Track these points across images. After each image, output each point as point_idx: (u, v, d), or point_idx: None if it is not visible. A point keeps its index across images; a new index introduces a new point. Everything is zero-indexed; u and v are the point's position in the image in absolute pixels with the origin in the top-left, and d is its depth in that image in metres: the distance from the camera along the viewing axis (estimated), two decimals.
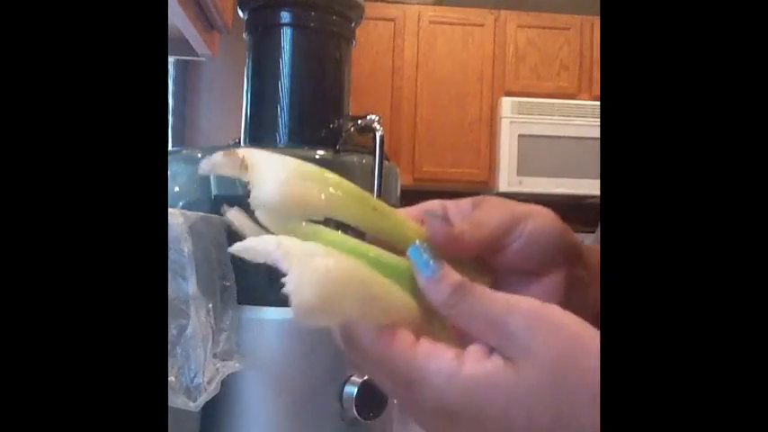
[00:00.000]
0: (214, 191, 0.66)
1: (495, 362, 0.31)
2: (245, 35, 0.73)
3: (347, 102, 0.73)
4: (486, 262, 0.39)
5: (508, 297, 0.32)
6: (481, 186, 3.08)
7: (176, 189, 0.66)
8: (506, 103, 2.95)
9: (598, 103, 2.65)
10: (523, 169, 2.94)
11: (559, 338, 0.31)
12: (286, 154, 0.68)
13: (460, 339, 0.32)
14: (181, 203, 0.65)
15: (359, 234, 0.35)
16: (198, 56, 1.29)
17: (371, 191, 0.65)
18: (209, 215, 0.59)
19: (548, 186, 2.95)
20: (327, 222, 0.34)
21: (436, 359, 0.31)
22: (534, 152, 2.95)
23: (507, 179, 2.94)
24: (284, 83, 0.70)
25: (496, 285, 0.36)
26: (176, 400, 0.52)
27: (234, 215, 0.35)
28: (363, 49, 2.94)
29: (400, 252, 0.35)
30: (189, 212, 0.56)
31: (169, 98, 2.34)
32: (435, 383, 0.31)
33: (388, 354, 0.31)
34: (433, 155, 3.00)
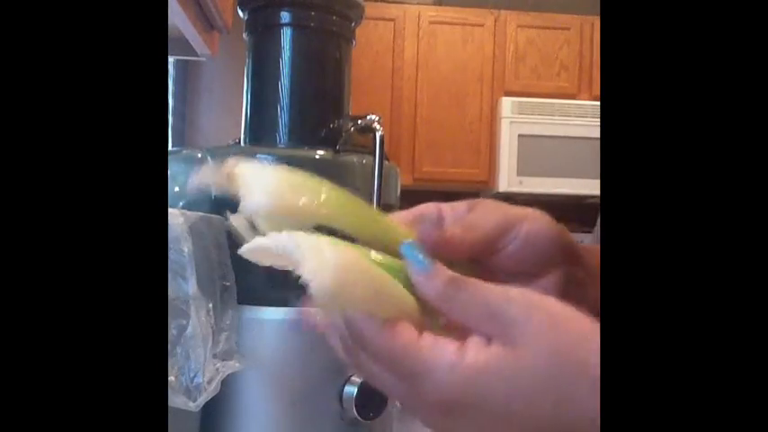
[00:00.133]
0: (214, 191, 0.66)
1: (495, 350, 0.31)
2: (245, 35, 0.73)
3: (347, 102, 0.73)
4: (479, 265, 0.39)
5: (504, 287, 0.32)
6: (481, 186, 3.08)
7: (176, 189, 0.66)
8: (506, 103, 2.95)
9: (598, 103, 2.65)
10: (523, 169, 2.94)
11: (558, 326, 0.31)
12: (286, 154, 0.68)
13: (454, 336, 0.32)
14: (181, 203, 0.65)
15: (351, 240, 0.35)
16: (198, 56, 1.29)
17: (371, 191, 0.65)
18: (209, 215, 0.59)
19: (548, 186, 2.94)
20: (320, 229, 0.34)
21: (439, 350, 0.31)
22: (534, 152, 2.94)
23: (507, 179, 2.93)
24: (284, 83, 0.70)
25: None
26: (176, 400, 0.52)
27: (236, 220, 0.35)
28: (363, 49, 2.94)
29: (393, 256, 0.35)
30: (189, 212, 0.56)
31: (169, 98, 2.34)
32: (438, 375, 0.31)
33: (392, 346, 0.32)
34: (433, 155, 3.00)
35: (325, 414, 0.63)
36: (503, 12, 3.04)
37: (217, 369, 0.55)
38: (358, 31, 0.75)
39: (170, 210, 0.53)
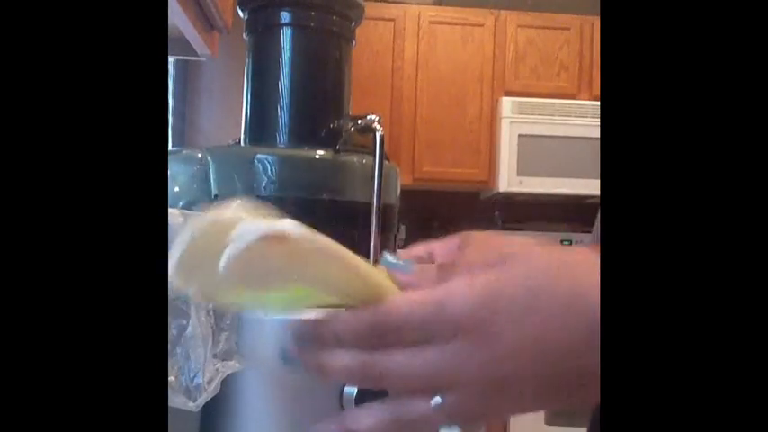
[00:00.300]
0: (214, 191, 0.66)
1: (500, 266, 0.33)
2: (245, 35, 0.73)
3: (347, 102, 0.73)
4: None
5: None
6: (481, 186, 3.07)
7: (176, 189, 0.66)
8: (506, 103, 2.95)
9: (598, 103, 2.65)
10: (523, 169, 2.94)
11: (546, 252, 0.34)
12: (286, 154, 0.68)
13: None
14: (181, 203, 0.65)
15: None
16: (198, 56, 1.29)
17: (371, 191, 0.65)
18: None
19: (548, 186, 2.94)
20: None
21: (452, 279, 0.33)
22: (534, 152, 2.94)
23: (507, 179, 2.93)
24: (284, 83, 0.70)
25: None
26: (176, 400, 0.52)
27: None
28: (363, 49, 2.94)
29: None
30: (189, 212, 0.56)
31: (169, 98, 2.34)
32: (459, 295, 0.32)
33: (411, 303, 0.33)
34: (433, 155, 3.00)
35: (325, 414, 0.63)
36: (503, 12, 3.04)
37: (217, 369, 0.55)
38: (358, 31, 0.75)
39: (170, 210, 0.53)
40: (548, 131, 2.94)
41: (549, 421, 2.72)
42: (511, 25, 3.05)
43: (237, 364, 0.58)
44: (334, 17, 0.71)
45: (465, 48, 3.04)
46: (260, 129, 0.72)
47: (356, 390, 0.63)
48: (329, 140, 0.68)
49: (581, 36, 3.06)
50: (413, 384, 0.33)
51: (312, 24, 0.70)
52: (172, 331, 0.53)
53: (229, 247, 0.31)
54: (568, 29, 3.06)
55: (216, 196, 0.66)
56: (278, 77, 0.70)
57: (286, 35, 0.70)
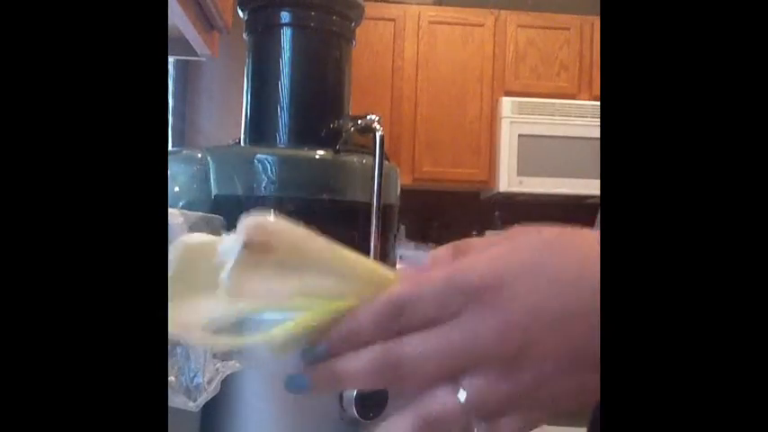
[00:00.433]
0: (214, 191, 0.66)
1: (508, 239, 0.34)
2: (245, 35, 0.73)
3: (347, 102, 0.73)
4: None
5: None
6: (481, 186, 3.08)
7: (176, 189, 0.66)
8: (506, 103, 2.95)
9: (598, 103, 2.65)
10: (523, 169, 2.94)
11: (553, 227, 0.34)
12: (286, 154, 0.68)
13: None
14: (181, 203, 0.65)
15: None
16: (198, 56, 1.29)
17: (371, 191, 0.65)
18: (209, 215, 0.59)
19: (548, 186, 2.94)
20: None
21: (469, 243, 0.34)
22: (534, 152, 2.94)
23: (507, 179, 2.93)
24: (284, 83, 0.70)
25: None
26: (176, 400, 0.52)
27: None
28: (363, 49, 2.94)
29: None
30: (189, 212, 0.56)
31: (169, 98, 2.34)
32: (466, 270, 0.32)
33: (432, 277, 0.33)
34: (433, 155, 3.00)
35: (325, 414, 0.63)
36: (503, 12, 3.04)
37: (217, 369, 0.55)
38: (358, 31, 0.75)
39: (170, 210, 0.53)
40: (548, 131, 2.94)
41: (549, 421, 2.72)
42: (511, 25, 3.05)
43: (237, 364, 0.58)
44: (334, 17, 0.71)
45: (465, 48, 3.04)
46: (260, 129, 0.72)
47: (356, 390, 0.63)
48: (329, 140, 0.68)
49: (581, 36, 3.06)
50: (431, 368, 0.32)
51: (312, 24, 0.70)
52: None
53: (225, 265, 0.32)
54: (568, 29, 3.06)
55: (216, 196, 0.66)
56: (278, 77, 0.70)
57: (286, 35, 0.70)
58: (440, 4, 3.08)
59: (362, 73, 2.89)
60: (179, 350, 0.52)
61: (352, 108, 0.74)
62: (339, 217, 0.67)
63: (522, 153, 2.94)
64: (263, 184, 0.65)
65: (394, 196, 0.73)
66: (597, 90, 2.97)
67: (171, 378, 0.52)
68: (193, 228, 0.55)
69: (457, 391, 0.32)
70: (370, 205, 0.65)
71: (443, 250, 0.37)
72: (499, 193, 2.97)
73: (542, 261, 0.32)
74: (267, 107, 0.71)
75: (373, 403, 0.63)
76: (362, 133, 0.68)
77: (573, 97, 3.02)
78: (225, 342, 0.34)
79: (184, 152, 0.69)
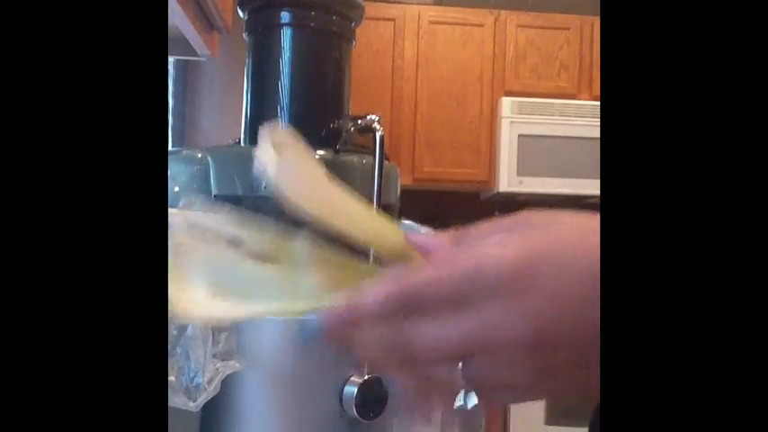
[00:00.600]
0: (214, 191, 0.66)
1: (526, 231, 0.33)
2: (245, 35, 0.73)
3: (347, 102, 0.73)
4: None
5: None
6: (481, 186, 3.08)
7: (176, 189, 0.66)
8: (506, 103, 2.95)
9: (598, 103, 2.65)
10: (523, 169, 2.94)
11: (570, 216, 0.34)
12: None
13: None
14: (181, 203, 0.65)
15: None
16: (198, 56, 1.29)
17: (371, 191, 0.65)
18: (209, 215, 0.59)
19: (548, 186, 2.94)
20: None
21: (481, 246, 0.33)
22: (534, 152, 2.94)
23: (507, 179, 2.93)
24: (284, 83, 0.70)
25: None
26: (176, 400, 0.52)
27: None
28: (363, 49, 2.94)
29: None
30: (189, 213, 0.56)
31: (169, 98, 2.34)
32: (492, 263, 0.32)
33: (445, 273, 0.32)
34: (433, 155, 3.00)
35: (325, 414, 0.63)
36: (503, 12, 3.04)
37: (217, 369, 0.55)
38: (358, 31, 0.75)
39: (170, 210, 0.53)
40: (548, 131, 2.94)
41: (549, 421, 2.72)
42: (511, 25, 3.05)
43: (237, 364, 0.58)
44: (335, 17, 0.71)
45: (465, 48, 3.04)
46: (260, 129, 0.72)
47: (356, 389, 0.63)
48: (329, 140, 0.68)
49: (581, 36, 3.06)
50: (439, 356, 0.32)
51: (312, 24, 0.70)
52: (172, 331, 0.53)
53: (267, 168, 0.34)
54: (568, 29, 3.06)
55: (216, 196, 0.66)
56: (278, 77, 0.70)
57: (286, 35, 0.70)
58: (440, 4, 3.08)
59: (362, 73, 2.89)
60: (179, 350, 0.53)
61: (352, 108, 0.74)
62: None
63: (522, 153, 2.94)
64: (263, 184, 0.65)
65: (394, 196, 0.73)
66: (597, 90, 2.97)
67: (171, 378, 0.52)
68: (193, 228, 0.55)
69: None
70: (370, 205, 0.65)
71: (445, 238, 0.37)
72: (499, 193, 2.97)
73: (567, 254, 0.32)
74: (267, 107, 0.71)
75: (373, 403, 0.63)
76: (362, 133, 0.68)
77: (573, 97, 3.02)
78: (228, 312, 0.34)
79: (184, 152, 0.69)
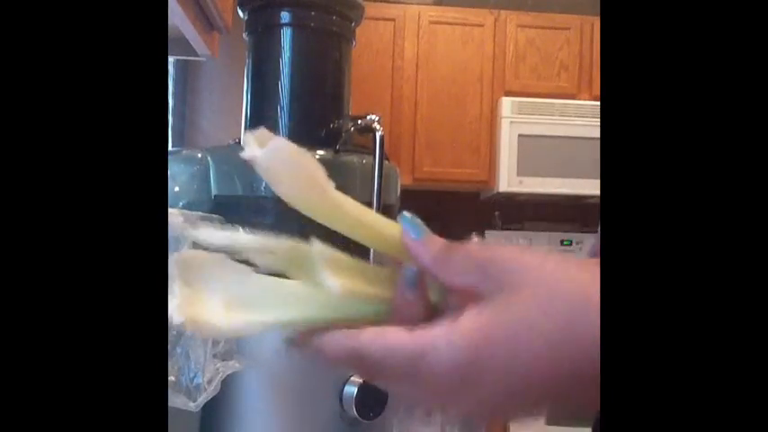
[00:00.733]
0: (214, 191, 0.66)
1: (490, 308, 0.31)
2: (245, 35, 0.73)
3: (347, 102, 0.73)
4: None
5: (491, 246, 0.33)
6: (481, 186, 3.07)
7: (176, 189, 0.66)
8: (506, 103, 2.95)
9: (598, 103, 2.65)
10: (523, 169, 2.94)
11: (556, 267, 0.32)
12: None
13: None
14: (181, 203, 0.65)
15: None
16: (198, 56, 1.29)
17: (371, 191, 0.65)
18: (209, 215, 0.59)
19: (548, 186, 2.94)
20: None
21: (432, 329, 0.32)
22: (534, 152, 2.94)
23: (507, 179, 2.93)
24: (284, 83, 0.70)
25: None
26: (176, 400, 0.52)
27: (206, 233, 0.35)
28: (363, 49, 2.94)
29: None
30: (189, 212, 0.56)
31: (169, 98, 2.34)
32: (439, 349, 0.31)
33: (384, 344, 0.32)
34: (433, 155, 3.00)
35: (325, 414, 0.63)
36: (503, 12, 3.04)
37: (217, 369, 0.55)
38: (358, 31, 0.75)
39: (170, 210, 0.53)
40: (548, 131, 2.94)
41: (549, 421, 2.72)
42: (511, 25, 3.04)
43: (237, 364, 0.58)
44: (334, 17, 0.71)
45: (465, 48, 3.03)
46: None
47: (356, 389, 0.63)
48: (329, 140, 0.68)
49: (581, 36, 3.06)
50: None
51: (312, 24, 0.70)
52: (172, 331, 0.53)
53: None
54: (568, 29, 3.06)
55: (216, 196, 0.66)
56: (278, 77, 0.70)
57: (286, 35, 0.70)
58: (440, 4, 3.08)
59: (362, 73, 2.89)
60: (179, 350, 0.52)
61: (352, 108, 0.74)
62: None
63: (522, 153, 2.94)
64: (263, 184, 0.65)
65: (394, 196, 0.73)
66: (597, 90, 2.97)
67: (171, 378, 0.52)
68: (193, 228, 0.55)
69: None
70: (370, 205, 0.65)
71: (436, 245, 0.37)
72: (499, 193, 2.97)
73: (520, 339, 0.31)
74: (267, 107, 0.71)
75: (373, 403, 0.63)
76: (362, 133, 0.68)
77: (573, 97, 3.02)
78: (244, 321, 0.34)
79: (184, 152, 0.69)
